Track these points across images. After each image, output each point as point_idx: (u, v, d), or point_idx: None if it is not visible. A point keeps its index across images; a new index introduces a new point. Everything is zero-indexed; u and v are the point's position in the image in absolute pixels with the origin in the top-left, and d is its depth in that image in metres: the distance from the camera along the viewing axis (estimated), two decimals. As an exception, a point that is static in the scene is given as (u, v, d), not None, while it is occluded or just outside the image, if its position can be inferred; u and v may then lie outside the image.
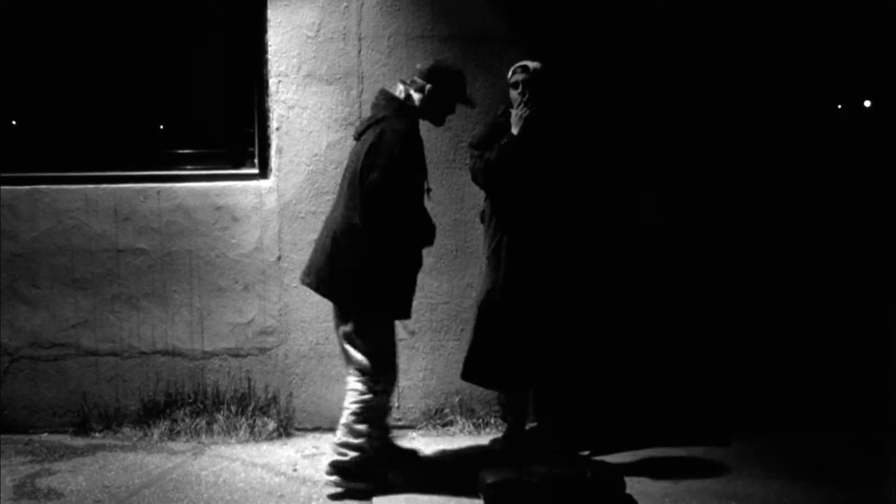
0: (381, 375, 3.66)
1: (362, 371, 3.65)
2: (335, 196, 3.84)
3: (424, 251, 4.46)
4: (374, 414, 3.69)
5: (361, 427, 3.63)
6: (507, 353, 4.07)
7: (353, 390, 3.66)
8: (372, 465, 3.69)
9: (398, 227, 3.59)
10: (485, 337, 4.09)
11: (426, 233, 3.74)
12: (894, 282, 4.49)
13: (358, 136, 3.73)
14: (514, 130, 4.00)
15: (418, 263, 3.79)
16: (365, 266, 3.58)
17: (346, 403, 3.67)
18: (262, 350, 4.58)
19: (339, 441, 3.66)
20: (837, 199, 4.69)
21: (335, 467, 3.66)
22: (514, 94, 4.08)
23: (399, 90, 3.72)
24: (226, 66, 4.67)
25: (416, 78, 3.73)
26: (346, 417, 3.66)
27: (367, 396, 3.64)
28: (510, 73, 4.11)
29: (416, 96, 3.69)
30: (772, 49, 4.64)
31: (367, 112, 4.48)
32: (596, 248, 4.47)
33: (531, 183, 4.08)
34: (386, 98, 3.70)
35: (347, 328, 3.67)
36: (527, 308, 4.08)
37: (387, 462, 3.81)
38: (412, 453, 4.07)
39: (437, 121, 3.81)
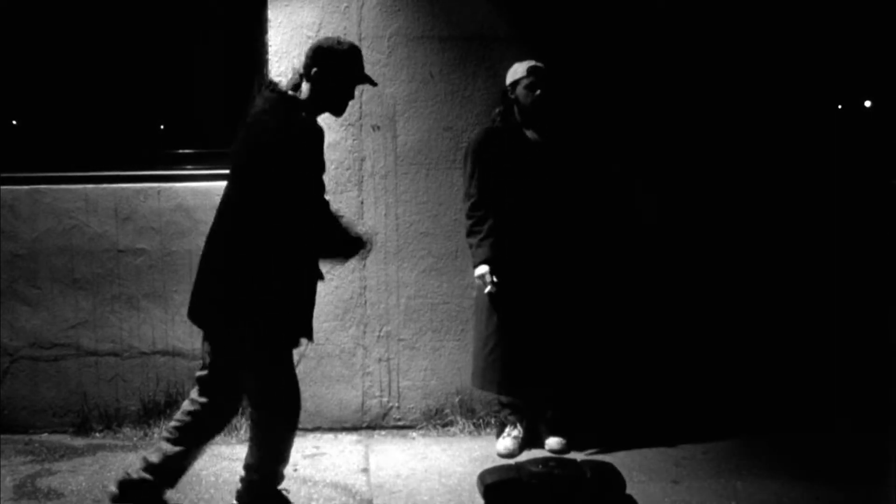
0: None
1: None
2: (218, 205, 3.31)
3: (425, 250, 4.44)
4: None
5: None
6: (518, 356, 4.08)
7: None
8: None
9: (292, 236, 3.12)
10: (493, 341, 4.10)
11: (331, 241, 3.22)
12: (894, 282, 4.49)
13: (244, 132, 3.25)
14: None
15: (311, 278, 3.26)
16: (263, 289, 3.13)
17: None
18: (262, 350, 4.56)
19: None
20: (837, 199, 4.70)
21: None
22: (524, 93, 4.08)
23: (285, 82, 3.23)
24: (226, 65, 4.67)
25: (302, 67, 3.22)
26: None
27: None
28: (524, 73, 4.09)
29: (304, 87, 3.19)
30: (771, 49, 4.64)
31: (366, 112, 4.52)
32: (596, 247, 4.47)
33: (538, 184, 4.09)
34: (271, 90, 3.22)
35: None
36: (530, 309, 4.09)
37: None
38: None
39: (337, 110, 3.27)
